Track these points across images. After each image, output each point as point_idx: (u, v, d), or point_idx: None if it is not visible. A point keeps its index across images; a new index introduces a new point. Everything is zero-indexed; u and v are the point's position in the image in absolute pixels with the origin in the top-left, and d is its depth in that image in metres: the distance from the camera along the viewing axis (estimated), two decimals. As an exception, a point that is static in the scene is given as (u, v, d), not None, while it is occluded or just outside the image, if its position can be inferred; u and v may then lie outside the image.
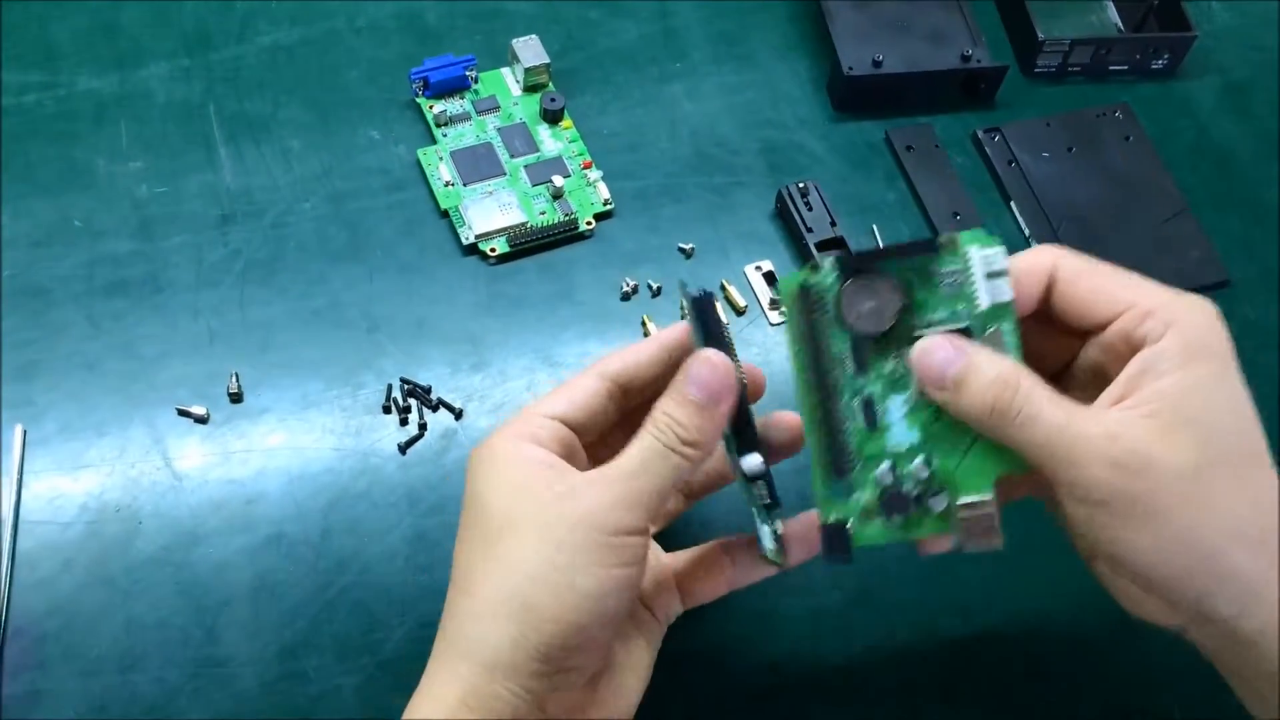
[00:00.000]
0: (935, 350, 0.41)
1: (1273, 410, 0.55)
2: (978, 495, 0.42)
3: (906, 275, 0.42)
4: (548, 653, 0.38)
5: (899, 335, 0.42)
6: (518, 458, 0.41)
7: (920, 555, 0.44)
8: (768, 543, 0.44)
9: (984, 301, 0.41)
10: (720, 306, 0.44)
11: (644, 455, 0.40)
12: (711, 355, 0.41)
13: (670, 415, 0.41)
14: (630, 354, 0.45)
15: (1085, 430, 0.38)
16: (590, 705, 0.42)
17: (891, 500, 0.43)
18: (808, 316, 0.42)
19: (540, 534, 0.39)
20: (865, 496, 0.43)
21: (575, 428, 0.43)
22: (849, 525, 0.43)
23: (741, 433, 0.43)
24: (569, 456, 0.42)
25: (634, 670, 0.44)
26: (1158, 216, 0.68)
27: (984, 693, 0.54)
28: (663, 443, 0.40)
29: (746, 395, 0.43)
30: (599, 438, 0.45)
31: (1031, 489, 0.44)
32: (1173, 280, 0.64)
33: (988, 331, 0.42)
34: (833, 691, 0.53)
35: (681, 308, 0.44)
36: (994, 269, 0.41)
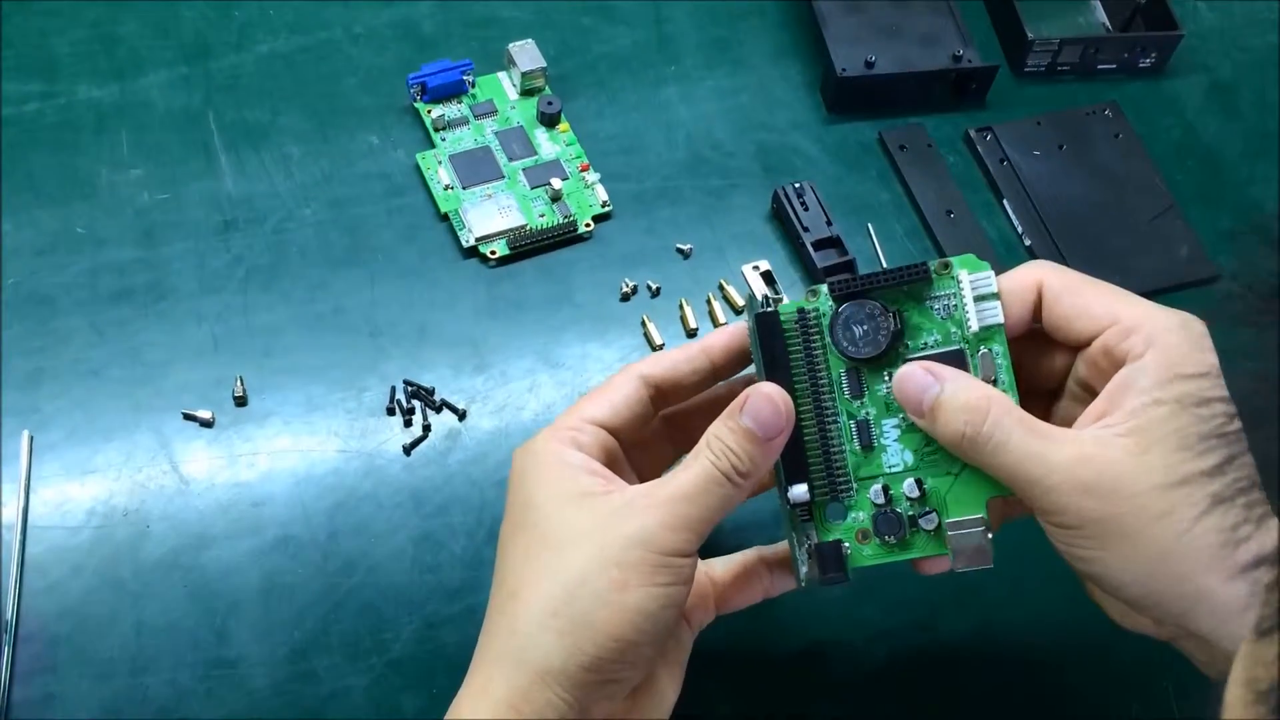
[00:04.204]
0: (910, 379, 0.41)
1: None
2: (967, 515, 0.43)
3: (899, 300, 0.43)
4: (598, 664, 0.39)
5: (893, 359, 0.43)
6: (566, 464, 0.42)
7: (919, 574, 0.45)
8: (804, 569, 0.44)
9: (974, 325, 0.42)
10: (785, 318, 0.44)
11: (699, 481, 0.40)
12: (773, 393, 0.41)
13: (725, 443, 0.41)
14: (672, 359, 0.45)
15: (1055, 456, 0.39)
16: (631, 713, 0.43)
17: (885, 521, 0.44)
18: (805, 341, 0.43)
19: (597, 549, 0.39)
20: (860, 517, 0.44)
21: (617, 433, 0.44)
22: (845, 546, 0.44)
23: (789, 460, 0.43)
24: (611, 463, 0.43)
25: (670, 679, 0.44)
26: (1147, 213, 0.69)
27: (983, 688, 0.54)
28: (719, 470, 0.40)
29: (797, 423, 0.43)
30: (637, 439, 0.45)
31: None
32: (1164, 276, 0.66)
33: (980, 353, 0.43)
34: (833, 685, 0.54)
35: (751, 326, 0.44)
36: (983, 292, 0.42)
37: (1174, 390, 0.39)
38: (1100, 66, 0.75)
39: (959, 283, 0.43)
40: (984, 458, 0.40)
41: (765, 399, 0.41)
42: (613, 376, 0.45)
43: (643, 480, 0.46)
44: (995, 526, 0.44)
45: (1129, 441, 0.38)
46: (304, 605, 0.53)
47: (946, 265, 0.43)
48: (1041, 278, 0.43)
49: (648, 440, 0.46)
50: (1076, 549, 0.39)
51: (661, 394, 0.45)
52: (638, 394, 0.44)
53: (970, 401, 0.40)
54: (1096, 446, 0.39)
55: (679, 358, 0.45)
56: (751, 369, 0.45)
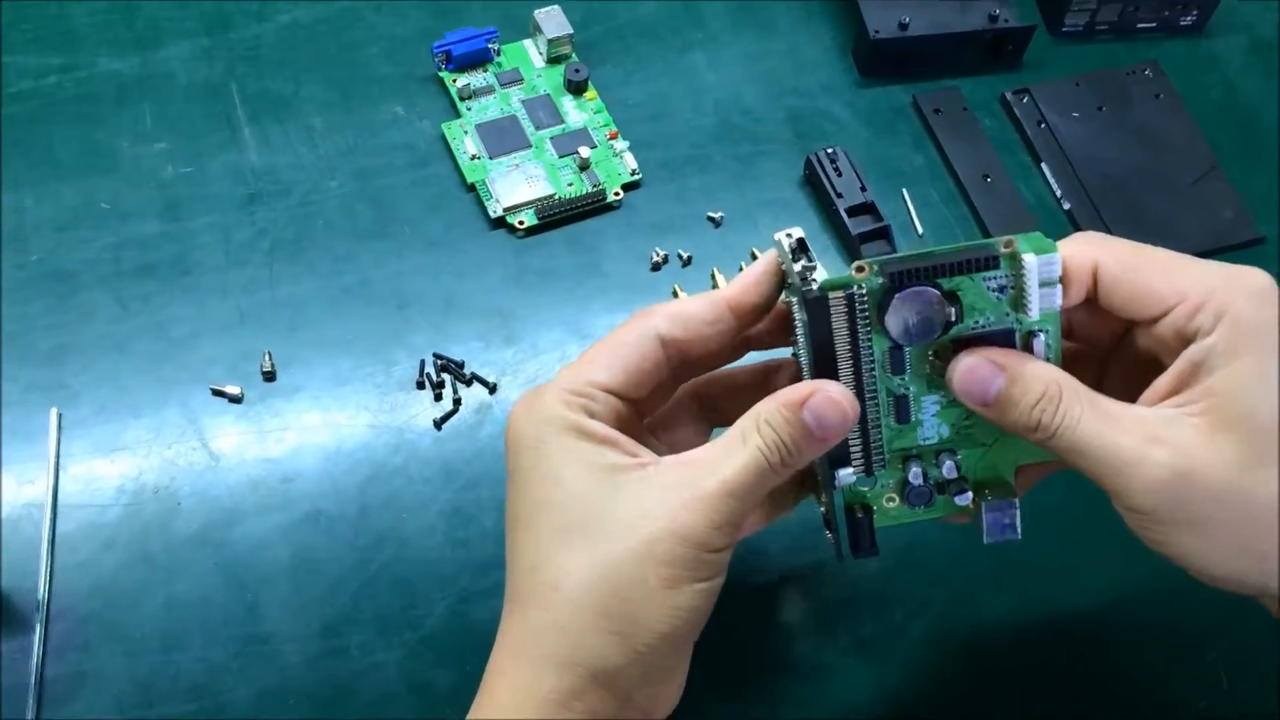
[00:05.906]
0: (976, 371, 0.40)
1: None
2: (1001, 493, 0.43)
3: (956, 281, 0.41)
4: (649, 660, 0.38)
5: (940, 340, 0.42)
6: (588, 433, 0.40)
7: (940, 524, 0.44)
8: (845, 543, 0.44)
9: (1034, 311, 0.40)
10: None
11: (747, 476, 0.39)
12: (842, 399, 0.39)
13: (779, 435, 0.39)
14: (696, 319, 0.42)
15: (1124, 439, 0.38)
16: (664, 691, 0.42)
17: (915, 493, 0.43)
18: (851, 323, 0.41)
19: (645, 545, 0.38)
20: (890, 484, 0.43)
21: (629, 399, 0.42)
22: (874, 516, 0.43)
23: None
24: (624, 428, 0.41)
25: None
26: (1189, 175, 0.67)
27: (1022, 662, 0.53)
28: (769, 462, 0.39)
29: None
30: (648, 397, 0.43)
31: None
32: (1207, 239, 0.65)
33: (1032, 334, 0.41)
34: (869, 660, 0.53)
35: (790, 306, 0.43)
36: (1047, 278, 0.40)
37: (1245, 366, 0.37)
38: (1140, 25, 0.73)
39: (1024, 267, 0.40)
40: (1051, 441, 0.39)
41: (833, 404, 0.39)
42: (625, 328, 0.42)
43: (640, 414, 0.44)
44: (1033, 484, 0.44)
45: (1200, 422, 0.37)
46: (335, 581, 0.52)
47: (1010, 244, 0.40)
48: (1095, 256, 0.40)
49: (652, 396, 0.44)
50: (1150, 532, 0.38)
51: (680, 354, 0.42)
52: (654, 356, 0.42)
53: (1045, 390, 0.39)
54: (1166, 428, 0.37)
55: (704, 317, 0.42)
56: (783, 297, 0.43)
